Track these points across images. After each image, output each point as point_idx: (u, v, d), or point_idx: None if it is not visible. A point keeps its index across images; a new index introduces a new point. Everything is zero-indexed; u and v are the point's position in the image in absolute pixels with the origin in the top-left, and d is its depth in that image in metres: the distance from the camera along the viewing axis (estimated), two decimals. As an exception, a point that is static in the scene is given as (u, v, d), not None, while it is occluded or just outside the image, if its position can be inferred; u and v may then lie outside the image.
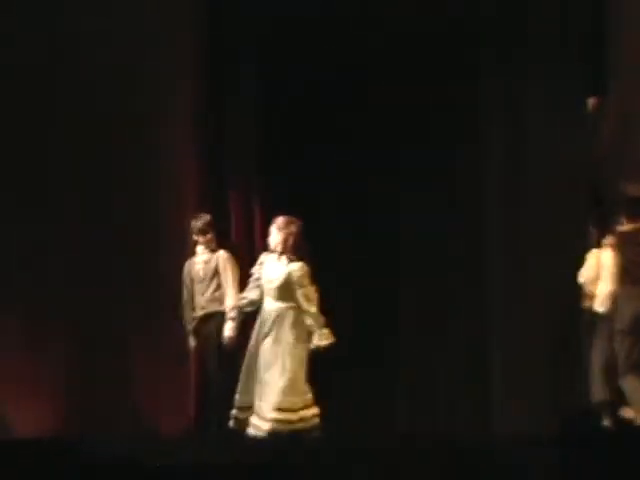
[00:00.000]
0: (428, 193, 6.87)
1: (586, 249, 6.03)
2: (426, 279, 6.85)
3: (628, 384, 5.73)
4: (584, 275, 5.97)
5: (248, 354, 6.11)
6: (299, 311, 6.04)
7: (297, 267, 6.04)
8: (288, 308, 6.04)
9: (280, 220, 6.13)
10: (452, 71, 6.96)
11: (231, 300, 6.40)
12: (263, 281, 6.14)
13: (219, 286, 6.53)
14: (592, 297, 5.89)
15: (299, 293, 6.04)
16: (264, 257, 6.21)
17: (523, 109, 6.83)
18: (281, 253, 6.08)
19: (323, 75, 7.03)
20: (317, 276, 6.11)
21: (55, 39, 6.68)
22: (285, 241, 6.06)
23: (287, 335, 6.02)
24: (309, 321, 6.01)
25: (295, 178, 6.95)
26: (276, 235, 6.10)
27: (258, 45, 7.16)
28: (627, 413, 5.86)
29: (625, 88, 6.71)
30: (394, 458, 4.47)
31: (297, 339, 6.01)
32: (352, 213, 7.02)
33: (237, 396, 6.06)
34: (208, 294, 6.51)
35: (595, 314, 5.88)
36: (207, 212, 6.62)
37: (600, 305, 5.81)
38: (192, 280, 6.56)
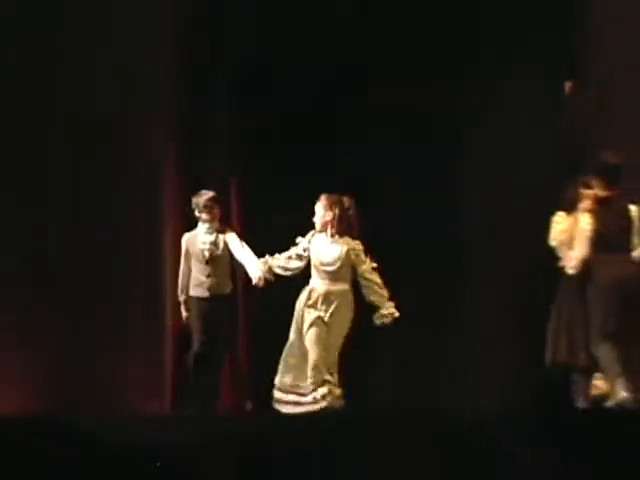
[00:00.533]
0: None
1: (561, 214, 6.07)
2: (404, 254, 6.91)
3: (603, 353, 5.70)
4: (558, 239, 5.99)
5: (295, 335, 5.99)
6: (350, 292, 5.96)
7: (353, 246, 5.94)
8: (341, 290, 5.94)
9: (327, 198, 6.01)
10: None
11: (256, 269, 6.13)
12: (314, 261, 5.98)
13: (227, 268, 6.40)
14: (565, 261, 5.91)
15: (361, 270, 5.93)
16: (313, 236, 6.03)
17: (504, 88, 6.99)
18: (332, 233, 5.96)
19: (302, 75, 7.11)
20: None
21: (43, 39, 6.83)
22: (336, 219, 5.95)
23: (339, 317, 5.91)
24: (374, 297, 5.89)
25: (273, 179, 7.00)
26: (324, 213, 5.98)
27: (240, 47, 7.26)
28: (597, 383, 5.87)
29: (603, 69, 6.92)
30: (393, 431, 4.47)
31: (347, 321, 5.94)
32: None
33: (280, 377, 5.96)
34: (215, 277, 6.34)
35: (568, 278, 5.87)
36: (183, 212, 6.64)
37: (572, 268, 5.80)
38: (190, 256, 6.37)
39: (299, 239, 6.03)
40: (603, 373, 5.73)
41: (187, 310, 6.40)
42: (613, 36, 6.92)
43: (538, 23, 7.19)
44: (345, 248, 5.93)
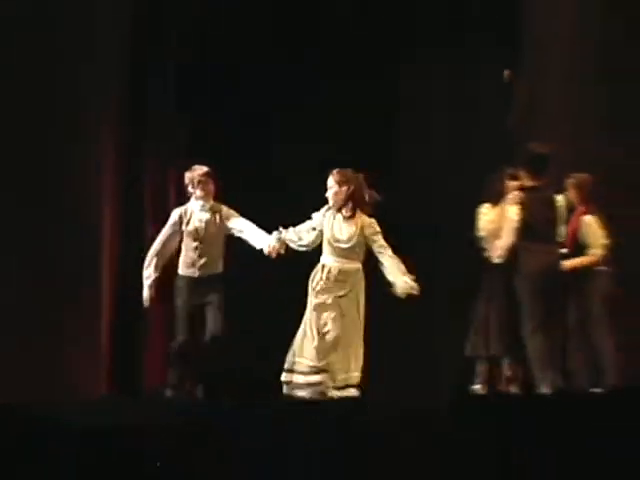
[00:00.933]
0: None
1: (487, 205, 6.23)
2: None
3: (532, 342, 5.84)
4: (485, 230, 6.10)
5: (313, 315, 5.76)
6: (362, 272, 5.79)
7: (368, 223, 5.78)
8: (354, 268, 5.77)
9: (341, 173, 5.81)
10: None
11: (268, 239, 5.90)
12: (327, 237, 5.78)
13: (220, 247, 6.12)
14: (492, 251, 6.03)
15: (376, 246, 5.76)
16: (327, 210, 5.83)
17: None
18: (348, 209, 5.78)
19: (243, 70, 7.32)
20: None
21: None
22: (352, 196, 5.77)
23: (352, 296, 5.77)
24: (392, 269, 5.68)
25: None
26: (339, 190, 5.79)
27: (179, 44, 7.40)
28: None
29: (536, 62, 7.22)
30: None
31: (360, 300, 5.78)
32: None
33: (292, 358, 5.74)
34: (209, 256, 6.08)
35: (494, 268, 6.01)
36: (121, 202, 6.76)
37: (499, 258, 5.93)
38: (178, 234, 6.10)
39: (314, 214, 5.87)
40: (531, 362, 5.86)
41: (155, 291, 6.08)
42: (542, 29, 7.23)
43: (470, 20, 7.44)
44: (360, 225, 5.79)
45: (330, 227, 5.81)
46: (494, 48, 7.24)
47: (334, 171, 5.78)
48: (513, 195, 6.01)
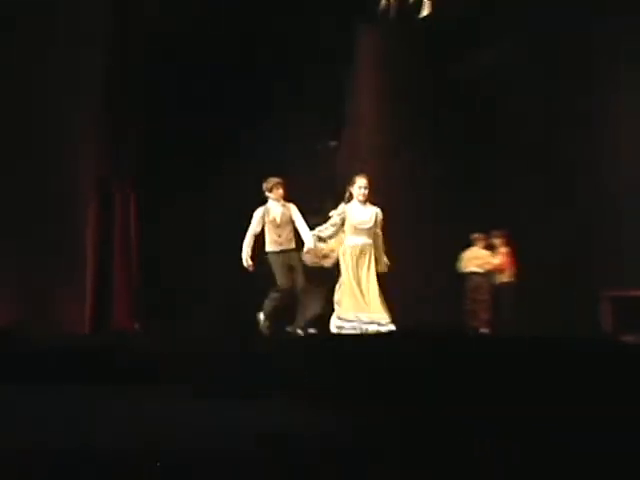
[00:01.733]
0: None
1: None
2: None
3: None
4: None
5: (353, 278, 7.93)
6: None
7: (379, 211, 8.11)
8: (371, 244, 8.06)
9: (363, 176, 8.11)
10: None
11: (309, 234, 8.21)
12: (353, 222, 8.03)
13: (291, 230, 8.33)
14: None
15: (378, 230, 8.10)
16: (345, 206, 8.11)
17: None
18: (366, 201, 8.07)
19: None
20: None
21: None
22: (368, 192, 8.06)
23: (373, 263, 8.03)
24: (378, 250, 8.09)
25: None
26: (362, 187, 8.05)
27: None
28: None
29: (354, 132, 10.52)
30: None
31: (374, 267, 8.03)
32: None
33: (342, 311, 7.89)
34: (284, 236, 8.30)
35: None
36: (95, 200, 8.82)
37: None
38: (262, 224, 8.30)
39: (332, 212, 8.19)
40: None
41: (253, 262, 8.30)
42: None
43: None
44: (375, 212, 8.09)
45: (353, 215, 8.09)
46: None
47: (364, 175, 8.17)
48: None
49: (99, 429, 4.09)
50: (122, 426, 4.15)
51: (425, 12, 9.58)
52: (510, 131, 10.88)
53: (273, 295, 8.25)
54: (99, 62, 9.09)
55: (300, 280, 8.26)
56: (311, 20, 9.84)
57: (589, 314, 10.12)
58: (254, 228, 8.39)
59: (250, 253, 8.32)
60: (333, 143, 10.73)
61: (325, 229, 8.24)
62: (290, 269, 8.30)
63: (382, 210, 8.14)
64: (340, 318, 7.89)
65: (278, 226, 8.38)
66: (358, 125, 10.85)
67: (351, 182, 8.16)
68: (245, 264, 8.31)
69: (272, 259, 8.35)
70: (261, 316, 8.23)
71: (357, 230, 8.02)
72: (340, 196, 8.28)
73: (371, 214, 8.08)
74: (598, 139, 10.64)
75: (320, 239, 8.24)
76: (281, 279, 8.25)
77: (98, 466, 3.55)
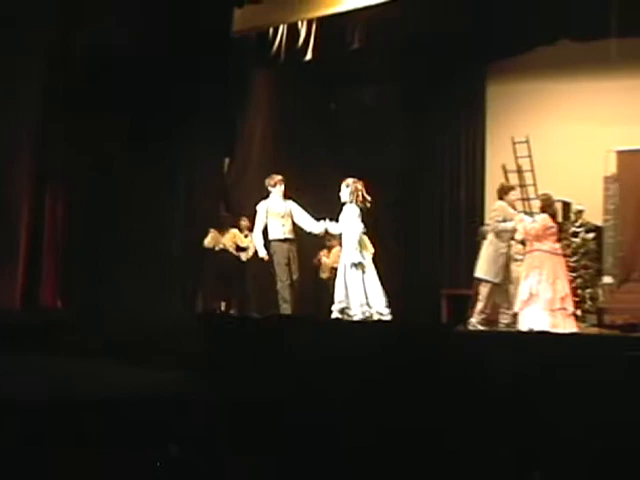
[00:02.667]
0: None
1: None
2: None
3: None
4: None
5: (350, 270, 9.11)
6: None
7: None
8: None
9: (351, 180, 9.24)
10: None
11: (313, 224, 9.56)
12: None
13: (292, 223, 9.53)
14: None
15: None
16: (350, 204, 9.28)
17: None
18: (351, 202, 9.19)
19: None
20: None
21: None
22: (355, 195, 9.19)
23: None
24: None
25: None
26: (358, 188, 9.21)
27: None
28: None
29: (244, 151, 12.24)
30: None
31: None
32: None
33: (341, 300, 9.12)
34: (287, 227, 9.55)
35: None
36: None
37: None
38: (266, 215, 9.53)
39: (328, 222, 9.53)
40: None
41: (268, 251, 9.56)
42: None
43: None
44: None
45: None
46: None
47: (347, 179, 9.37)
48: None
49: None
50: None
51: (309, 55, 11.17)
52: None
53: (279, 286, 9.52)
54: (36, 68, 10.10)
55: (295, 271, 9.60)
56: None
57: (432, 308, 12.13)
58: (262, 220, 9.63)
59: (263, 242, 9.59)
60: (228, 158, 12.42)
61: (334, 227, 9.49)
62: (288, 261, 9.49)
63: None
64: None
65: (282, 217, 9.61)
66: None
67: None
68: (261, 254, 9.63)
69: (276, 248, 9.55)
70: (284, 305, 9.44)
71: None
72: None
73: None
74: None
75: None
76: (281, 274, 9.49)
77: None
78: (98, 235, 10.75)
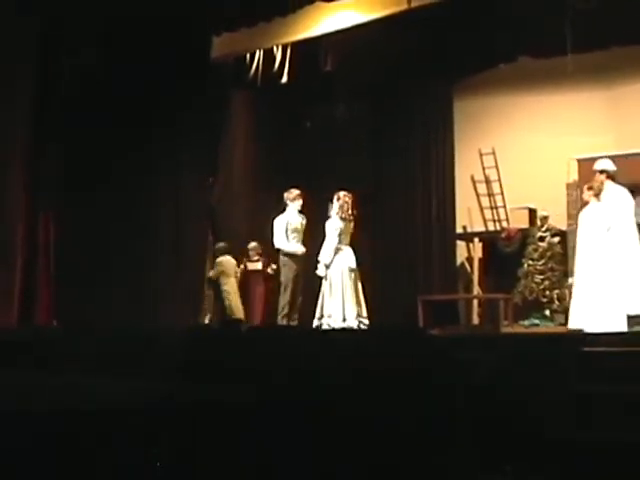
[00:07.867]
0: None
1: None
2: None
3: None
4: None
5: (340, 282, 9.59)
6: None
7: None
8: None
9: (342, 194, 9.77)
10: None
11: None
12: (344, 229, 9.73)
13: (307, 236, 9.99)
14: None
15: None
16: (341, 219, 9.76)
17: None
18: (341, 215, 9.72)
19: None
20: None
21: None
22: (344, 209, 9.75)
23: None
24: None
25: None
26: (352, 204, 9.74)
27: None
28: None
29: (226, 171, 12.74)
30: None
31: None
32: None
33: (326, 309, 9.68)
34: (303, 241, 10.06)
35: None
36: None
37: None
38: (287, 229, 9.97)
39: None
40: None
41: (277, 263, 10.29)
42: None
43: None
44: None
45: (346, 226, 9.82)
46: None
47: (338, 192, 9.89)
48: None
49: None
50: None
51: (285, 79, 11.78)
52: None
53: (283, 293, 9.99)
54: (26, 84, 10.47)
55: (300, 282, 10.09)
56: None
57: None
58: (284, 235, 10.01)
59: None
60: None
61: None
62: (297, 274, 10.00)
63: None
64: None
65: (300, 232, 10.11)
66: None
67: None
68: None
69: (290, 260, 10.03)
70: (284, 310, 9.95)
71: None
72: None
73: None
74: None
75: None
76: (287, 282, 10.00)
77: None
78: (94, 255, 11.23)
